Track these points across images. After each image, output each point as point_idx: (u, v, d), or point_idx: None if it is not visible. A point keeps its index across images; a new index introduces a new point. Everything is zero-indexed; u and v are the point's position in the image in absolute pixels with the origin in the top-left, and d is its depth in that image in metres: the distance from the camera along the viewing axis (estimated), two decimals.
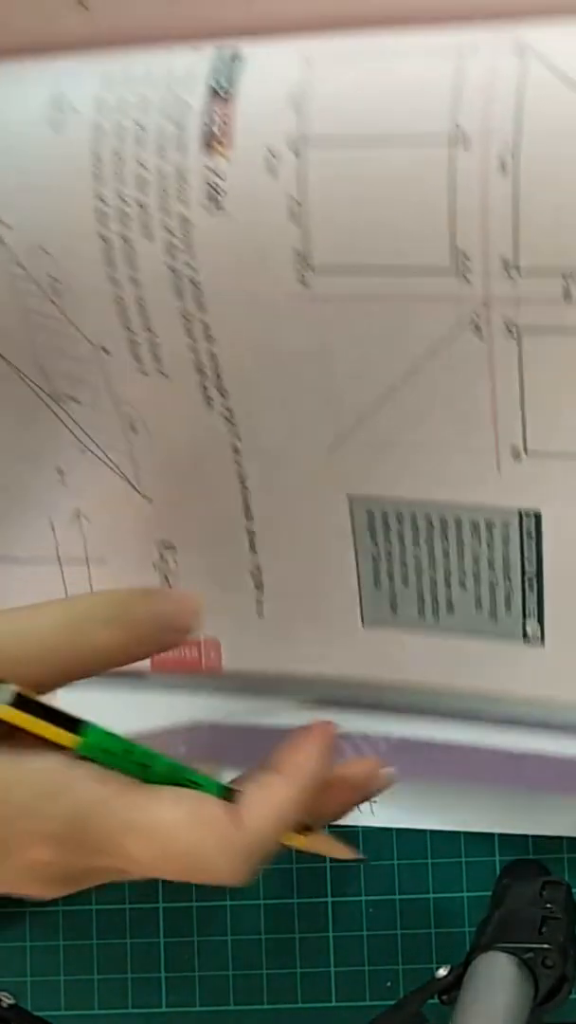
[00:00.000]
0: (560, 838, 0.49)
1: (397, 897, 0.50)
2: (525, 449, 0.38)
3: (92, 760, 0.30)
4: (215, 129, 0.34)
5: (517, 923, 0.44)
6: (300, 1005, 0.50)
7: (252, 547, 0.42)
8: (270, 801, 0.32)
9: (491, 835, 0.49)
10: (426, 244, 0.34)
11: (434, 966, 0.43)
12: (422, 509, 0.40)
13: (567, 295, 0.34)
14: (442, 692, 0.43)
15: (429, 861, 0.49)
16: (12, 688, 0.29)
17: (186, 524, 0.43)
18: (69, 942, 0.50)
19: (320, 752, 0.35)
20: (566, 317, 0.35)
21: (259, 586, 0.43)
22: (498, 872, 0.49)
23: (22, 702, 0.29)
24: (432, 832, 0.49)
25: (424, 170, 0.33)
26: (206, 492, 0.42)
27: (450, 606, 0.42)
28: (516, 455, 0.38)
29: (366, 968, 0.50)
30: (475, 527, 0.40)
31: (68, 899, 0.50)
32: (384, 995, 0.49)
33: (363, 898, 0.50)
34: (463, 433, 0.38)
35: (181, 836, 0.30)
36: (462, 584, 0.41)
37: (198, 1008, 0.50)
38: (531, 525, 0.39)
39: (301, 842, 0.37)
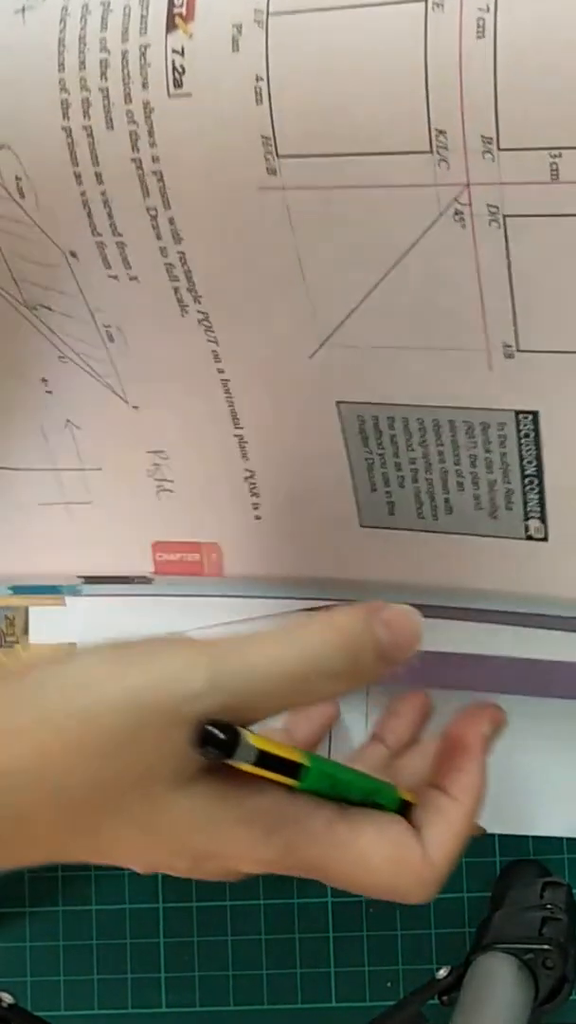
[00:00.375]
0: (560, 839, 0.49)
1: None
2: (517, 346, 0.35)
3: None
4: (177, 3, 0.32)
5: (517, 924, 0.44)
6: (300, 1005, 0.50)
7: (243, 454, 0.41)
8: (452, 831, 0.34)
9: (491, 835, 0.49)
10: (399, 123, 0.31)
11: (434, 967, 0.43)
12: (414, 414, 0.38)
13: (554, 174, 0.31)
14: (444, 592, 0.42)
15: None
16: (255, 747, 0.30)
17: (175, 432, 0.41)
18: (69, 942, 0.50)
19: (484, 768, 0.37)
20: (554, 199, 0.31)
21: (254, 491, 0.42)
22: (498, 873, 0.49)
23: (263, 759, 0.30)
24: None
25: (395, 37, 0.30)
26: (191, 400, 0.40)
27: (448, 507, 0.40)
28: (508, 353, 0.35)
29: (366, 969, 0.50)
30: (470, 429, 0.38)
31: (68, 899, 0.50)
32: (384, 995, 0.49)
33: (363, 899, 0.50)
34: (451, 333, 0.35)
35: (381, 876, 0.33)
36: (460, 485, 0.39)
37: (198, 1008, 0.50)
38: (529, 425, 0.37)
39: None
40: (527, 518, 0.39)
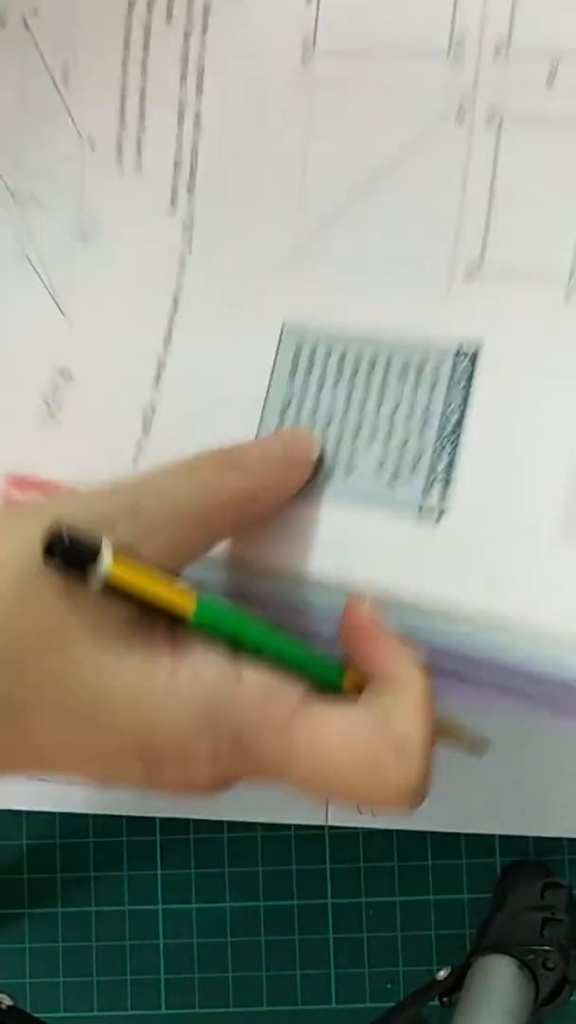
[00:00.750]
0: (561, 839, 0.49)
1: (397, 899, 0.49)
2: (481, 265, 0.36)
3: (204, 630, 0.29)
4: None
5: (518, 925, 0.44)
6: (300, 1007, 0.50)
7: (156, 381, 0.40)
8: (420, 715, 0.31)
9: (492, 836, 0.49)
10: (427, 26, 0.36)
11: (434, 968, 0.43)
12: (355, 346, 0.37)
13: (551, 80, 0.35)
14: (319, 579, 0.37)
15: (430, 863, 0.49)
16: (122, 554, 0.27)
17: (95, 350, 0.40)
18: (68, 944, 0.50)
19: (411, 653, 0.32)
20: (547, 104, 0.35)
21: (146, 429, 0.40)
22: (499, 874, 0.49)
23: (129, 568, 0.28)
24: (432, 834, 0.49)
25: None
26: (132, 314, 0.40)
27: (349, 466, 0.37)
28: (470, 273, 0.36)
29: (366, 970, 0.50)
30: (404, 369, 0.36)
31: (68, 901, 0.50)
32: (384, 997, 0.49)
33: (363, 900, 0.50)
34: (424, 245, 0.36)
35: (358, 782, 0.29)
36: (370, 439, 0.37)
37: (198, 1010, 0.50)
38: (465, 369, 0.36)
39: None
40: (428, 486, 0.36)
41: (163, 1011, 0.50)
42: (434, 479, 0.36)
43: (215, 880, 0.50)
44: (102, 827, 0.50)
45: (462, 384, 0.36)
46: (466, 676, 0.36)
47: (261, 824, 0.50)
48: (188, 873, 0.50)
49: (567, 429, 0.35)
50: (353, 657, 0.32)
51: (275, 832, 0.50)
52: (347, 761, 0.29)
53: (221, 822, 0.50)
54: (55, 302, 0.41)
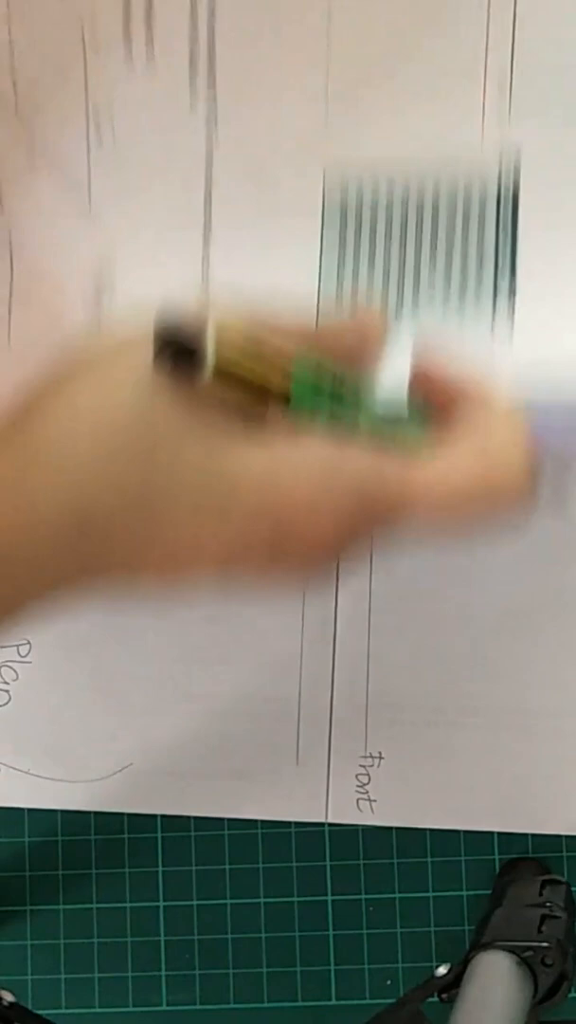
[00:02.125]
0: (559, 836, 0.49)
1: (397, 895, 0.50)
2: (510, 109, 0.38)
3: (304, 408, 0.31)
4: None
5: (516, 921, 0.44)
6: (300, 1003, 0.50)
7: (204, 274, 0.40)
8: (501, 423, 0.33)
9: (490, 833, 0.49)
10: None
11: (434, 964, 0.43)
12: (400, 201, 0.38)
13: None
14: None
15: (429, 859, 0.49)
16: (219, 349, 0.29)
17: (131, 242, 0.41)
18: (70, 940, 0.51)
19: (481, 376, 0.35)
20: None
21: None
22: (497, 870, 0.49)
23: (234, 359, 0.29)
24: (432, 831, 0.49)
25: None
26: (166, 214, 0.40)
27: (415, 304, 0.39)
28: (501, 120, 0.38)
29: (366, 966, 0.50)
30: (451, 216, 0.38)
31: (69, 898, 0.50)
32: (384, 993, 0.49)
33: (363, 896, 0.50)
34: (454, 97, 0.38)
35: (475, 470, 0.32)
36: (430, 281, 0.39)
37: (198, 1006, 0.50)
38: (508, 209, 0.38)
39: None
40: (494, 311, 0.39)
41: (164, 1007, 0.50)
42: (497, 303, 0.38)
43: (215, 877, 0.50)
44: (103, 824, 0.50)
45: (509, 222, 0.38)
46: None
47: (261, 821, 0.50)
48: (189, 870, 0.50)
49: None
50: (430, 393, 0.35)
51: (275, 829, 0.50)
52: (461, 479, 0.32)
53: (221, 820, 0.50)
54: (85, 200, 0.41)
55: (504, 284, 0.38)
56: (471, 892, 0.49)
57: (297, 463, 0.31)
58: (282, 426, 0.31)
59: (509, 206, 0.38)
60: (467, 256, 0.38)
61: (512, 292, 0.38)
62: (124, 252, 0.41)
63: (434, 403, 0.35)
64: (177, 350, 0.29)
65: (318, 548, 0.31)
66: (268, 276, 0.40)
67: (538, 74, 0.37)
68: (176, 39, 0.38)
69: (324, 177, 0.39)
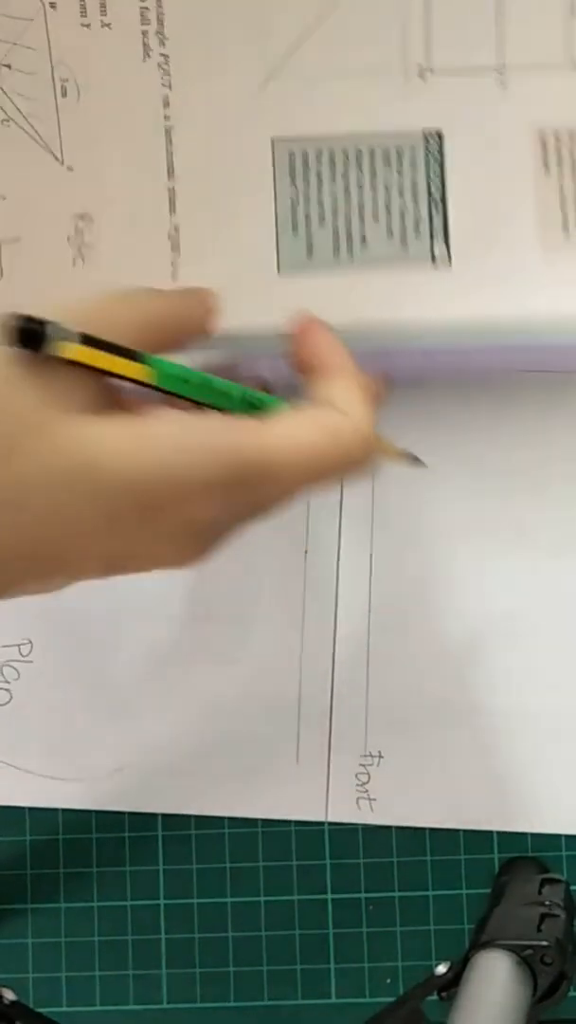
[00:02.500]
0: (558, 836, 0.49)
1: (396, 894, 0.50)
2: (430, 67, 0.43)
3: (171, 393, 0.34)
4: None
5: (516, 920, 0.44)
6: (300, 1001, 0.50)
7: (172, 207, 0.45)
8: (357, 392, 0.37)
9: (490, 832, 0.49)
10: None
11: (433, 963, 0.43)
12: (339, 143, 0.44)
13: None
14: (357, 331, 0.44)
15: (428, 858, 0.50)
16: (77, 330, 0.30)
17: (106, 192, 0.45)
18: (71, 938, 0.51)
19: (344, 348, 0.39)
20: None
21: (176, 248, 0.45)
22: (497, 869, 0.49)
23: (88, 340, 0.31)
24: (431, 830, 0.49)
25: None
26: (131, 153, 0.44)
27: (363, 240, 0.44)
28: (421, 74, 0.43)
29: (366, 965, 0.50)
30: (386, 155, 0.44)
31: (70, 896, 0.50)
32: (384, 992, 0.49)
33: (363, 895, 0.50)
34: (376, 57, 0.43)
35: (320, 446, 0.34)
36: (374, 216, 0.44)
37: (199, 1004, 0.50)
38: (435, 146, 0.44)
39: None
40: (433, 242, 0.44)
41: (164, 1005, 0.50)
42: (435, 236, 0.44)
43: (216, 876, 0.50)
44: (105, 823, 0.50)
45: (437, 159, 0.44)
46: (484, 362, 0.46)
47: (261, 820, 0.50)
48: (189, 869, 0.50)
49: (522, 181, 0.44)
50: (299, 356, 0.39)
51: (275, 828, 0.50)
52: (308, 438, 0.34)
53: (222, 819, 0.50)
54: (51, 154, 0.45)
55: (438, 219, 0.44)
56: (470, 891, 0.49)
57: (153, 432, 0.32)
58: (139, 407, 0.33)
59: (436, 149, 0.44)
60: (404, 196, 0.44)
61: (446, 225, 0.44)
62: (97, 199, 0.45)
63: (301, 374, 0.38)
64: (26, 336, 0.30)
65: (191, 521, 0.32)
66: (231, 204, 0.45)
67: (453, 43, 0.43)
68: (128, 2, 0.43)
69: (272, 128, 0.44)
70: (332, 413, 0.35)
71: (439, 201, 0.44)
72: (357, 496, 0.49)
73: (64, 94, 0.44)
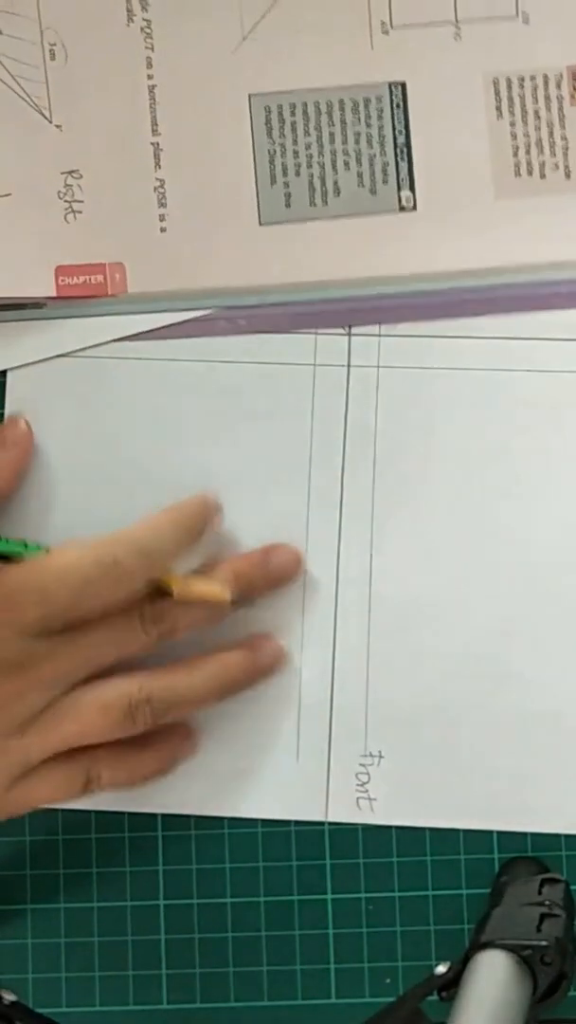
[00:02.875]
0: (558, 835, 0.49)
1: (396, 894, 0.50)
2: (391, 23, 0.48)
3: None
4: None
5: (516, 920, 0.44)
6: (300, 1002, 0.50)
7: (157, 162, 0.48)
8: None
9: (490, 832, 0.49)
10: None
11: (433, 963, 0.43)
12: (311, 97, 0.48)
13: None
14: (339, 284, 0.49)
15: (428, 858, 0.50)
16: None
17: (93, 148, 0.48)
18: (70, 939, 0.51)
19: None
20: None
21: (162, 201, 0.48)
22: (497, 869, 0.49)
23: None
24: (431, 830, 0.49)
25: None
26: (117, 112, 0.48)
27: (336, 189, 0.48)
28: (385, 30, 0.48)
29: (366, 965, 0.50)
30: (355, 106, 0.48)
31: (70, 897, 0.50)
32: (384, 991, 0.49)
33: (363, 895, 0.50)
34: (344, 15, 0.47)
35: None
36: (346, 165, 0.48)
37: (199, 1004, 0.50)
38: (399, 96, 0.48)
39: (178, 583, 0.45)
40: (400, 189, 0.48)
41: (164, 1006, 0.50)
42: (402, 183, 0.48)
43: (216, 876, 0.50)
44: (104, 824, 0.50)
45: (401, 108, 0.48)
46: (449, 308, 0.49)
47: (261, 820, 0.50)
48: (189, 869, 0.50)
49: (478, 128, 0.48)
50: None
51: (275, 828, 0.50)
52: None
53: (222, 819, 0.50)
54: (41, 114, 0.48)
55: (404, 166, 0.48)
56: (470, 891, 0.49)
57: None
58: None
59: (400, 99, 0.48)
60: (372, 145, 0.48)
61: (411, 172, 0.48)
62: (85, 156, 0.48)
63: None
64: None
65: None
66: (214, 155, 0.48)
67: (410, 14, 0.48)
68: None
69: (249, 85, 0.48)
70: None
71: (404, 149, 0.48)
72: (357, 496, 0.49)
73: (53, 57, 0.47)
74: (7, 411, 0.49)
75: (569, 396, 0.48)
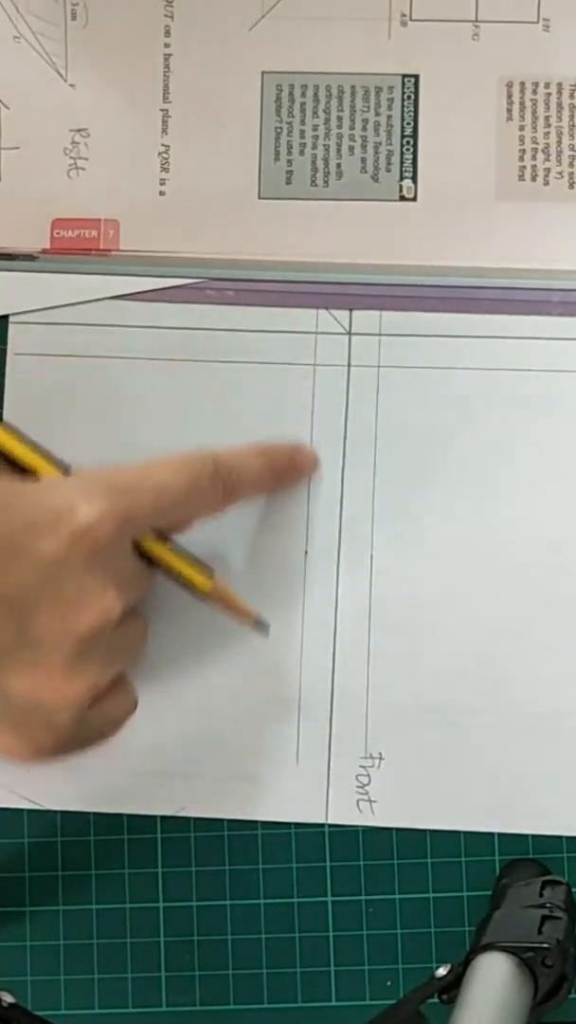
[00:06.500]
0: (560, 837, 0.49)
1: (397, 897, 0.50)
2: (411, 15, 0.49)
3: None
4: None
5: (517, 922, 0.44)
6: (300, 1004, 0.50)
7: (164, 128, 0.50)
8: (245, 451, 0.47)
9: (491, 834, 0.49)
10: None
11: (434, 965, 0.43)
12: (324, 80, 0.49)
13: None
14: (335, 268, 0.49)
15: (429, 861, 0.49)
16: None
17: (105, 108, 0.50)
18: (69, 941, 0.51)
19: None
20: None
21: (165, 165, 0.50)
22: (498, 871, 0.49)
23: None
24: (432, 832, 0.49)
25: None
26: (130, 76, 0.49)
27: (339, 171, 0.49)
28: (403, 22, 0.49)
29: (366, 967, 0.50)
30: (366, 93, 0.49)
31: (69, 899, 0.50)
32: (384, 994, 0.49)
33: (363, 897, 0.50)
34: (363, 3, 0.49)
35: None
36: (351, 150, 0.49)
37: (198, 1007, 0.50)
38: (411, 89, 0.49)
39: (207, 585, 0.45)
40: (402, 178, 0.49)
41: (164, 1008, 0.50)
42: (404, 174, 0.49)
43: (215, 878, 0.50)
44: (103, 825, 0.50)
45: (412, 100, 0.49)
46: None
47: (261, 822, 0.50)
48: (188, 871, 0.50)
49: (486, 128, 0.49)
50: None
51: (275, 830, 0.50)
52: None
53: (221, 821, 0.50)
54: (57, 72, 0.49)
55: (408, 156, 0.49)
56: (471, 893, 0.49)
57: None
58: None
59: (412, 92, 0.49)
60: (379, 133, 0.49)
61: (415, 163, 0.49)
62: (95, 115, 0.50)
63: None
64: None
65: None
66: (220, 128, 0.50)
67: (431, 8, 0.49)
68: None
69: (263, 63, 0.49)
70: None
71: (411, 140, 0.49)
72: (357, 495, 0.49)
73: (74, 17, 0.49)
74: (8, 359, 0.50)
75: (569, 396, 0.48)
